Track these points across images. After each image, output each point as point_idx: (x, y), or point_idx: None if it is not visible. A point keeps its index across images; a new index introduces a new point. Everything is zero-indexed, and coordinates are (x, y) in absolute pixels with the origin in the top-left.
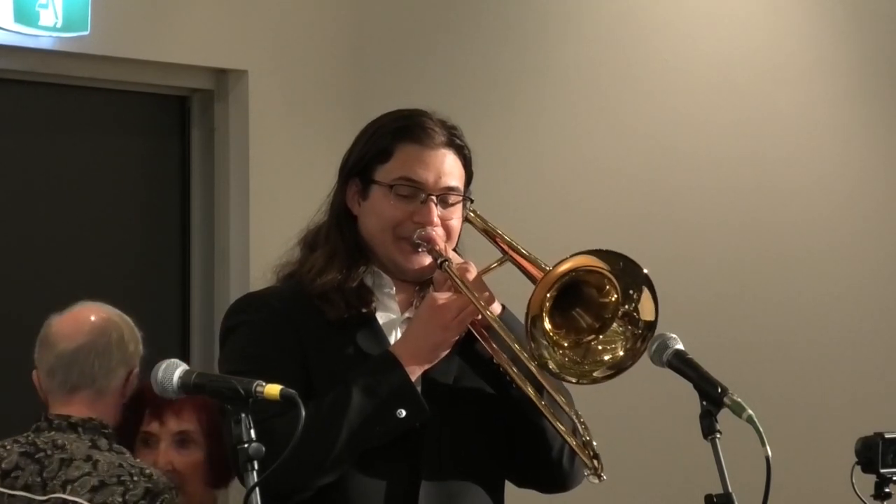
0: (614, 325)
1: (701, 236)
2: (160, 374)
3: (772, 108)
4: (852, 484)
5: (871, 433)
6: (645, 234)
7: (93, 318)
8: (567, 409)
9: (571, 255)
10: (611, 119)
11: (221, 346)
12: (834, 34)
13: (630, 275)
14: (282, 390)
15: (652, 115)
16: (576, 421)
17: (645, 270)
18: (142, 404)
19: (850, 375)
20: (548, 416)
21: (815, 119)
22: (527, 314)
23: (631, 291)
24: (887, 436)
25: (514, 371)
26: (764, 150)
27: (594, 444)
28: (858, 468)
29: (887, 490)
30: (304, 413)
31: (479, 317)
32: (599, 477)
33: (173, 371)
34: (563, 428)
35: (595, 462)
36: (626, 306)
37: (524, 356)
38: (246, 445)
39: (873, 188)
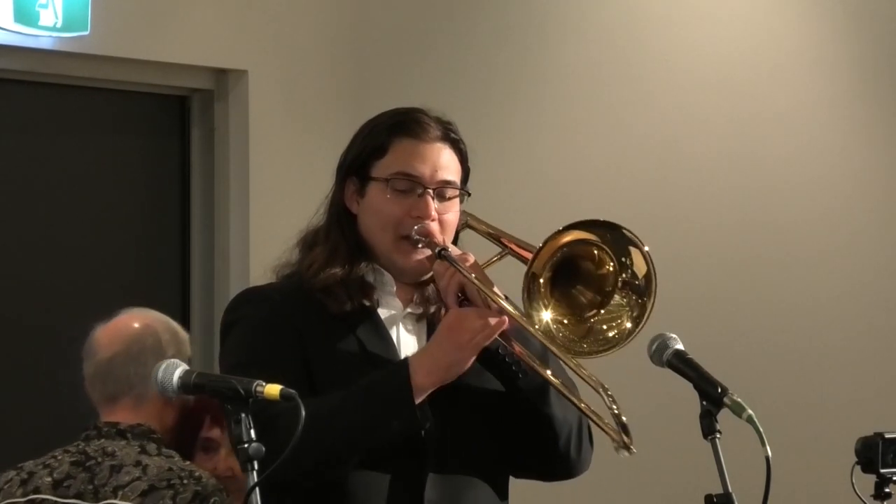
0: (616, 297)
1: (700, 235)
2: (160, 374)
3: (771, 108)
4: (852, 484)
5: (871, 433)
6: (644, 234)
7: (134, 325)
8: (590, 381)
9: (564, 228)
10: (610, 118)
11: (222, 340)
12: (834, 34)
13: (619, 240)
14: (282, 390)
15: (651, 114)
16: (603, 394)
17: (644, 250)
18: (202, 410)
19: (850, 375)
20: (567, 394)
21: (814, 118)
22: (526, 273)
23: (624, 259)
24: (887, 436)
25: (527, 354)
26: (763, 149)
27: (623, 418)
28: (858, 468)
29: (887, 490)
30: (304, 412)
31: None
32: (629, 449)
33: (173, 371)
34: (583, 405)
35: (623, 437)
36: (624, 274)
37: (534, 330)
38: (246, 445)
39: (874, 187)
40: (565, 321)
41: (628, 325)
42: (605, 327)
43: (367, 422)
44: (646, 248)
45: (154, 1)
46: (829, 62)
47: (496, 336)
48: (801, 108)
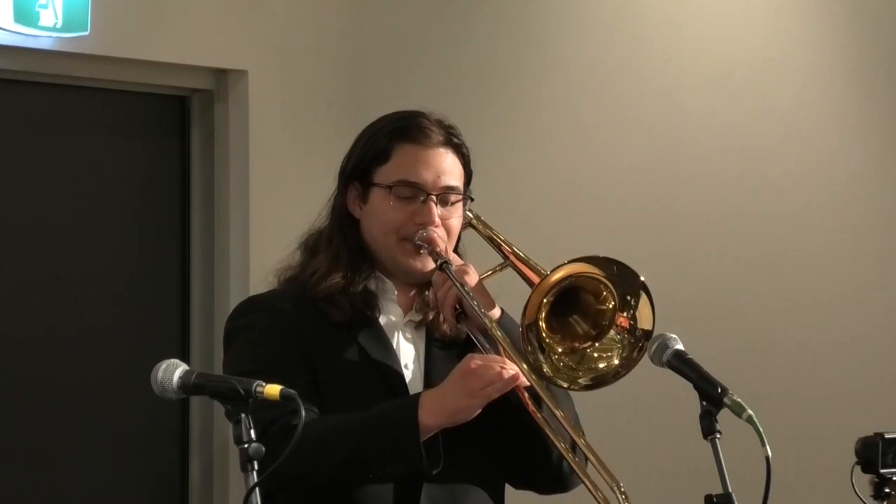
0: (611, 332)
1: (699, 235)
2: (160, 374)
3: (771, 106)
4: (852, 484)
5: (871, 433)
6: (644, 232)
7: None
8: (566, 424)
9: (568, 262)
10: (611, 117)
11: (226, 348)
12: (834, 33)
13: (627, 281)
14: (282, 390)
15: (652, 112)
16: (617, 492)
17: (642, 278)
18: None
19: (850, 375)
20: (544, 428)
21: (813, 117)
22: (522, 321)
23: (628, 298)
24: (887, 436)
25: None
26: (763, 147)
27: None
28: (858, 468)
29: (887, 490)
30: (304, 413)
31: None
32: None
33: (173, 371)
34: (561, 445)
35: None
36: (624, 314)
37: (521, 367)
38: (246, 445)
39: (873, 186)
40: (560, 349)
41: (616, 361)
42: (595, 356)
43: (371, 459)
44: (654, 305)
45: (154, 1)
46: (828, 61)
47: (505, 391)
48: (800, 106)
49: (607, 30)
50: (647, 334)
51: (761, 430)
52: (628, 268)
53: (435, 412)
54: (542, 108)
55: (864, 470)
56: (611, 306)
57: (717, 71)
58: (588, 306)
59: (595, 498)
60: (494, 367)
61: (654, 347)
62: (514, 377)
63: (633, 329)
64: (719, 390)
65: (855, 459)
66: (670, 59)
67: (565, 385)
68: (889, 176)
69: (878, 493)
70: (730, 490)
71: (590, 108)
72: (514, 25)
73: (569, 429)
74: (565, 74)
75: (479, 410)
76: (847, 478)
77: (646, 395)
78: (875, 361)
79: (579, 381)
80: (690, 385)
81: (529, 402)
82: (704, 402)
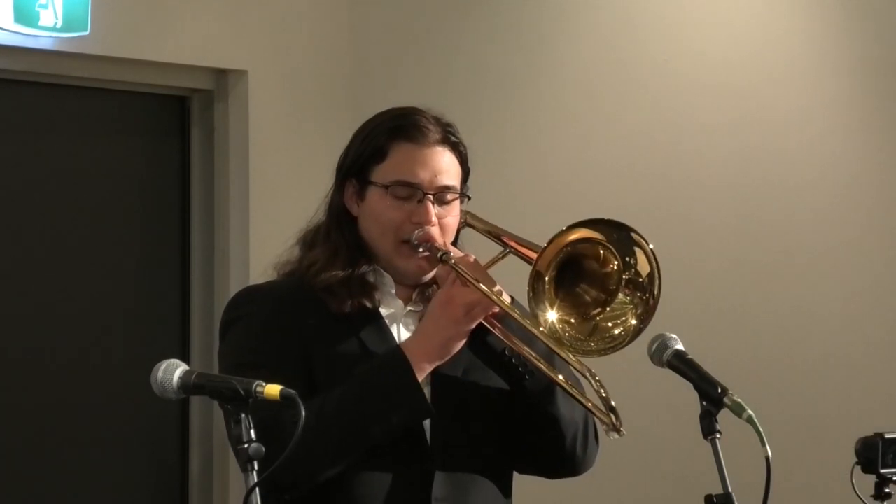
0: (620, 295)
1: (698, 237)
2: (160, 374)
3: (769, 109)
4: (852, 484)
5: (871, 433)
6: (642, 234)
7: None
8: (577, 367)
9: (569, 227)
10: (609, 119)
11: (222, 338)
12: (834, 34)
13: (623, 239)
14: (282, 390)
15: (650, 115)
16: (590, 379)
17: (631, 230)
18: None
19: (849, 375)
20: (570, 391)
21: (815, 120)
22: (531, 272)
23: (628, 258)
24: (887, 436)
25: (531, 353)
26: (762, 150)
27: (612, 402)
28: (858, 468)
29: (887, 490)
30: (304, 413)
31: (491, 306)
32: (619, 431)
33: (173, 371)
34: (590, 404)
35: (612, 417)
36: (628, 273)
37: (537, 331)
38: (246, 445)
39: (875, 190)
40: (571, 320)
41: (633, 321)
42: (610, 325)
43: (373, 415)
44: (650, 247)
45: (154, 1)
46: (827, 62)
47: (491, 311)
48: (802, 109)
49: (605, 32)
50: (651, 276)
51: (761, 430)
52: (624, 226)
53: (426, 352)
54: (541, 109)
55: (864, 470)
56: (615, 267)
57: (717, 73)
58: (593, 272)
59: (609, 424)
60: (472, 292)
61: (654, 347)
62: (496, 294)
63: (640, 284)
64: (719, 390)
65: (855, 459)
66: (669, 61)
67: (573, 356)
68: (892, 179)
69: (878, 494)
70: (730, 490)
71: (588, 109)
72: (512, 26)
73: (584, 373)
74: (563, 76)
75: (467, 337)
76: (847, 478)
77: (646, 395)
78: (875, 362)
79: (593, 352)
80: (690, 385)
81: (547, 369)
82: (704, 402)
